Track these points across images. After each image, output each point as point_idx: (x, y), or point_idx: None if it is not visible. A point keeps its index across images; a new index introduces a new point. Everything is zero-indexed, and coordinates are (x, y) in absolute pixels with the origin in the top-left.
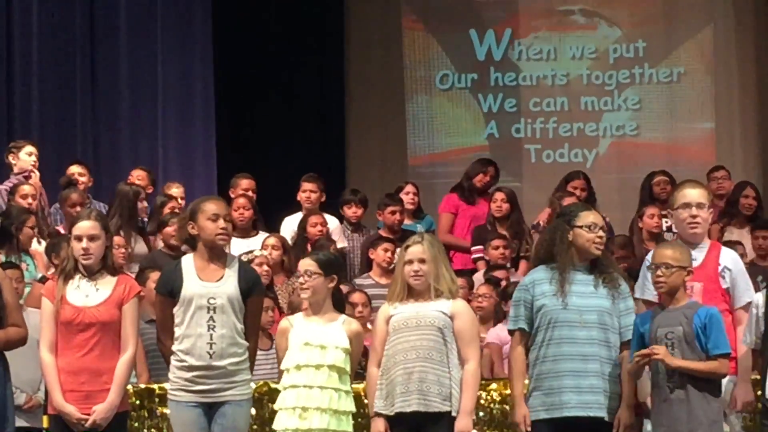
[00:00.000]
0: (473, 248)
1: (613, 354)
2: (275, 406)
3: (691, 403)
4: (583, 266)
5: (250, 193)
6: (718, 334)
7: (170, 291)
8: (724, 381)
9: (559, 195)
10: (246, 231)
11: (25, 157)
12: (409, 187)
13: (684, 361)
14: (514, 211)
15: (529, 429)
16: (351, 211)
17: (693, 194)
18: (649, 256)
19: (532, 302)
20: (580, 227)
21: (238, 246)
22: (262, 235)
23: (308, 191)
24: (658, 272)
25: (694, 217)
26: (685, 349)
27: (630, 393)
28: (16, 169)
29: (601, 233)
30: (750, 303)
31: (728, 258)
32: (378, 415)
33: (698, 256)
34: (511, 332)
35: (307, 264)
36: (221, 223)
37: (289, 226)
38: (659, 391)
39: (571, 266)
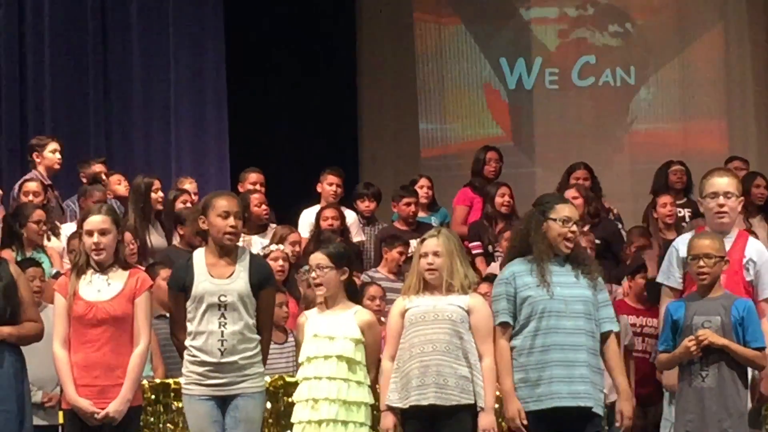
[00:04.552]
0: (472, 244)
1: (597, 344)
2: (293, 398)
3: (723, 393)
4: (558, 258)
5: (258, 187)
6: (756, 327)
7: (182, 286)
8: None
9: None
10: (263, 227)
11: (50, 155)
12: (423, 181)
13: (730, 342)
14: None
15: (525, 422)
16: (364, 205)
17: (721, 183)
18: (676, 244)
19: (515, 295)
20: (554, 220)
21: (256, 244)
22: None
23: (335, 185)
24: (701, 263)
25: (722, 206)
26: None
27: (627, 385)
28: (40, 167)
29: (574, 228)
30: None
31: (753, 249)
32: (390, 408)
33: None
34: None
35: (318, 258)
36: (231, 221)
37: (307, 218)
38: (690, 377)
39: (547, 257)
